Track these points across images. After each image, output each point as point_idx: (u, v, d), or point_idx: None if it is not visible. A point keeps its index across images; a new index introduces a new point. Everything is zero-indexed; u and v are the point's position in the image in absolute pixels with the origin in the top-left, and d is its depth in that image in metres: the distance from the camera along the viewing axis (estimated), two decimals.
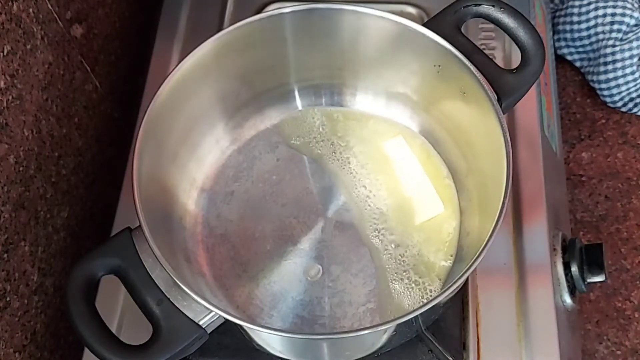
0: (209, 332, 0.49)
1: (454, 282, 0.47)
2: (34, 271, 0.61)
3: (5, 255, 0.56)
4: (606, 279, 0.64)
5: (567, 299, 0.63)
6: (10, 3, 0.54)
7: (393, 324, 0.48)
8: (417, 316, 0.47)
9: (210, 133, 0.63)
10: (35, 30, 0.58)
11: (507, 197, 0.49)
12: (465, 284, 0.61)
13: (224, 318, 0.48)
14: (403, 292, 0.58)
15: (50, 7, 0.61)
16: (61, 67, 0.64)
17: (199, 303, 0.47)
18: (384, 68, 0.62)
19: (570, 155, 1.00)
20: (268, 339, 0.55)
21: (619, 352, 0.89)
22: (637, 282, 0.92)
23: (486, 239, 0.48)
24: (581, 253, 0.64)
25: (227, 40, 0.57)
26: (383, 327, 0.50)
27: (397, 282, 0.58)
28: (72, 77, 0.66)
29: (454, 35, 0.55)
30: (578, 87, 1.03)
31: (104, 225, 0.68)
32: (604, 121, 1.03)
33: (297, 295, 0.58)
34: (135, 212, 0.50)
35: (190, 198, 0.62)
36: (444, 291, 0.47)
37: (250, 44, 0.59)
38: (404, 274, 0.58)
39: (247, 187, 0.63)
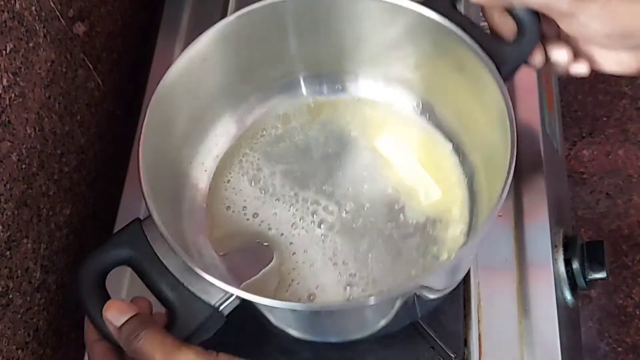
0: (225, 314, 0.49)
1: (461, 249, 0.48)
2: (37, 268, 0.61)
3: (8, 252, 0.56)
4: (607, 276, 0.64)
5: (568, 296, 0.64)
6: (12, 1, 0.54)
7: (395, 293, 0.49)
8: (417, 296, 0.47)
9: (217, 122, 0.63)
10: (37, 28, 0.59)
11: (512, 168, 0.49)
12: (466, 280, 0.62)
13: (237, 296, 0.48)
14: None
15: (52, 5, 0.61)
16: (63, 64, 0.64)
17: (213, 284, 0.47)
18: (385, 51, 0.62)
19: (572, 153, 1.00)
20: (280, 315, 0.55)
21: (620, 349, 0.89)
22: (638, 279, 0.92)
23: (492, 207, 0.48)
24: (582, 250, 0.64)
25: (229, 29, 0.57)
26: (391, 295, 0.50)
27: (402, 267, 0.58)
28: (75, 74, 0.66)
29: (450, 12, 0.55)
30: (579, 85, 1.03)
31: (106, 222, 0.68)
32: (605, 119, 1.03)
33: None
34: (141, 203, 0.50)
35: (198, 185, 0.62)
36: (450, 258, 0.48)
37: (252, 33, 0.59)
38: (414, 257, 0.59)
39: (254, 175, 0.63)
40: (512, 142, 0.50)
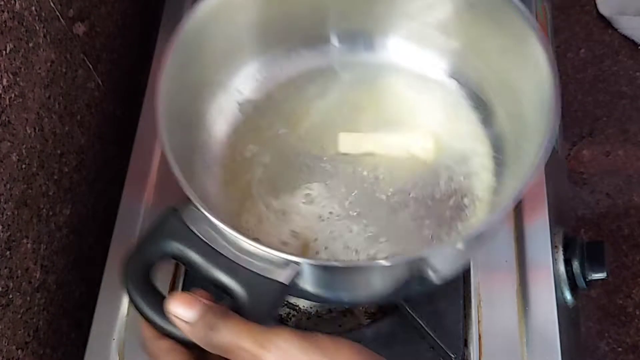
0: (287, 283, 0.45)
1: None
2: (37, 268, 0.61)
3: (8, 252, 0.56)
4: (607, 276, 0.64)
5: (568, 296, 0.64)
6: (12, 1, 0.54)
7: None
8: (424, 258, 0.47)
9: (240, 71, 0.63)
10: (37, 28, 0.59)
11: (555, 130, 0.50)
12: (466, 280, 0.62)
13: (297, 267, 0.45)
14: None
15: (52, 5, 0.61)
16: (63, 65, 0.64)
17: (277, 258, 0.44)
18: (420, 9, 0.61)
19: (572, 153, 1.00)
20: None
21: (620, 349, 0.89)
22: (638, 279, 0.92)
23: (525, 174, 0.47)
24: (582, 250, 0.64)
25: None
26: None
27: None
28: (75, 75, 0.66)
29: None
30: (579, 85, 1.03)
31: (106, 222, 0.68)
32: (605, 119, 1.03)
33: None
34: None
35: (216, 135, 0.61)
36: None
37: None
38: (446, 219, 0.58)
39: (278, 128, 0.62)
40: (556, 99, 0.51)
